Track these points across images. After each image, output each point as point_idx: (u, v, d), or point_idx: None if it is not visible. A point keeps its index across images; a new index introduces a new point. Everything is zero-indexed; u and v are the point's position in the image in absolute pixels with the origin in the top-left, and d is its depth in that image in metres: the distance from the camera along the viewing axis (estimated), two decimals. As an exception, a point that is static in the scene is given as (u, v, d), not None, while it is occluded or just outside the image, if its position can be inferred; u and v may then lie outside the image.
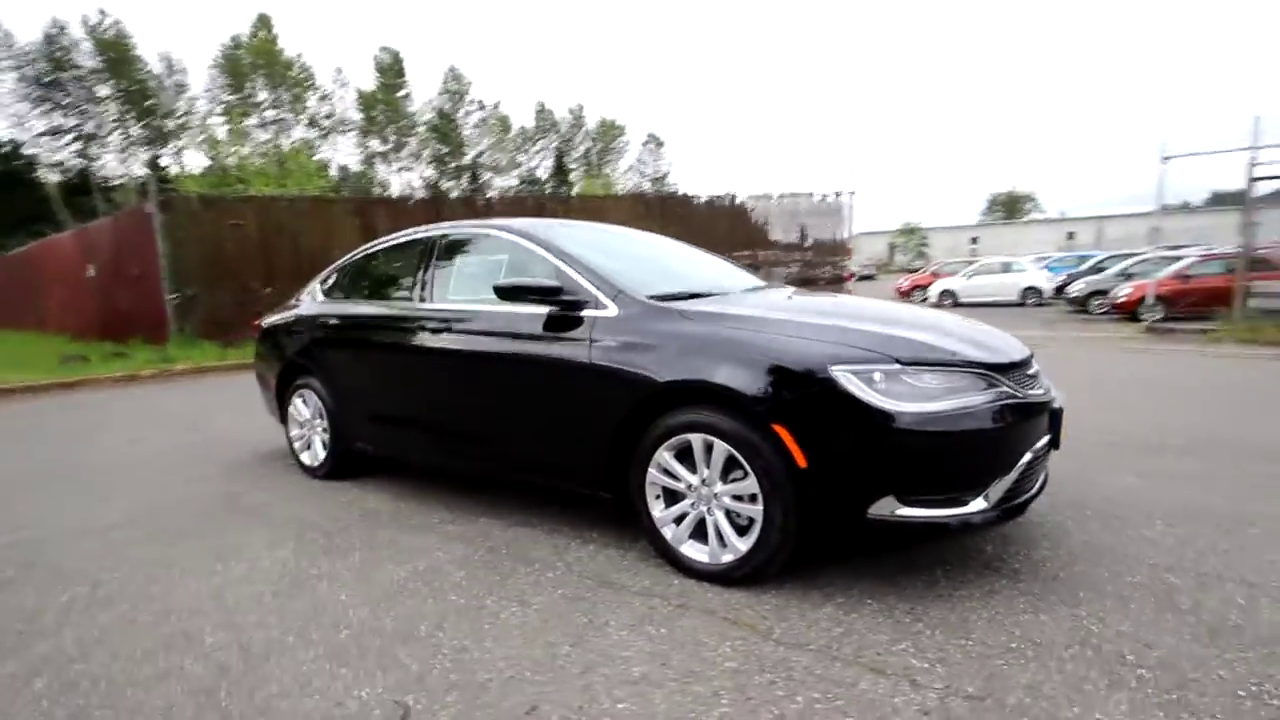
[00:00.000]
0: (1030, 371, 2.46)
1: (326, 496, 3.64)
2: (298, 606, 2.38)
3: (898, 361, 2.12)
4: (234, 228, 10.49)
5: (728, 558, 2.34)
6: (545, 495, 3.36)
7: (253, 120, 41.81)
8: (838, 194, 14.24)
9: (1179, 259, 14.00)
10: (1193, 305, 11.83)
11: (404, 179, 43.22)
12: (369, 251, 3.93)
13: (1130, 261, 16.86)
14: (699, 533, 2.44)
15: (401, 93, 44.49)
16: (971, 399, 2.13)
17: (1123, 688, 1.74)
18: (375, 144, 45.25)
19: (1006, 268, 19.31)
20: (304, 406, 4.02)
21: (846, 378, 2.09)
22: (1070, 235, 53.05)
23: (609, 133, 56.04)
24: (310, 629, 2.22)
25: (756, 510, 2.25)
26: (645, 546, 2.73)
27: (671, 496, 2.50)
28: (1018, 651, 1.93)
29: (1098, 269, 18.18)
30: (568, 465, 2.79)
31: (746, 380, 2.22)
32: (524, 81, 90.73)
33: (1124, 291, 13.76)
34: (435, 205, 13.23)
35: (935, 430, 2.05)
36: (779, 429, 2.16)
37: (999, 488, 2.16)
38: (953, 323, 2.69)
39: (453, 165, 47.24)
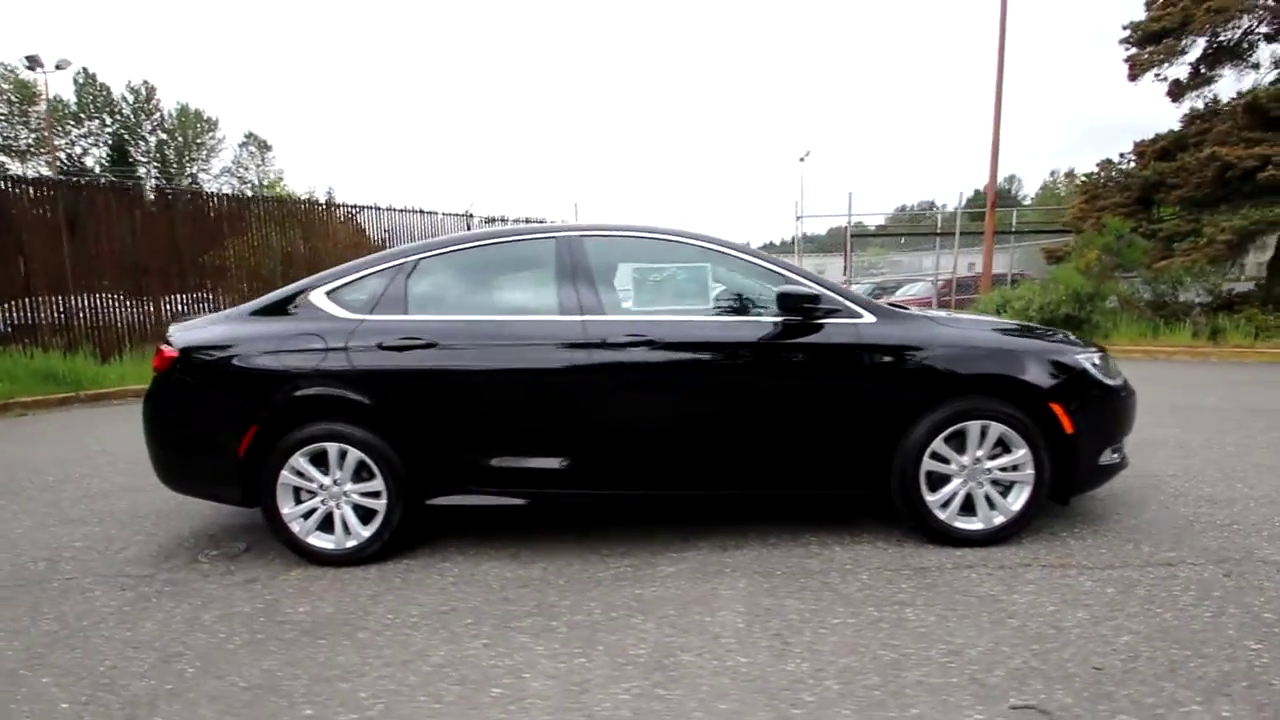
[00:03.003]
0: None
1: (428, 582, 2.66)
2: (731, 680, 1.92)
3: (1100, 350, 2.96)
4: None
5: (1000, 520, 2.80)
6: (687, 511, 3.17)
7: None
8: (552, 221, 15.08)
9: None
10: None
11: None
12: (441, 253, 2.97)
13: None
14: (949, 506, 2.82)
15: None
16: (1121, 374, 3.09)
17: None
18: None
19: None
20: (316, 470, 2.80)
21: (1087, 364, 2.83)
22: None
23: (192, 124, 45.28)
24: (800, 694, 1.86)
25: (1025, 475, 2.78)
26: (879, 532, 2.96)
27: (930, 480, 2.82)
28: (1192, 529, 2.93)
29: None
30: (834, 470, 2.83)
31: (1033, 372, 2.77)
32: (54, 41, 64.56)
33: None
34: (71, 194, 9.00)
35: (1128, 395, 2.96)
36: (1054, 406, 2.75)
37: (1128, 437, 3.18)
38: None
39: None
